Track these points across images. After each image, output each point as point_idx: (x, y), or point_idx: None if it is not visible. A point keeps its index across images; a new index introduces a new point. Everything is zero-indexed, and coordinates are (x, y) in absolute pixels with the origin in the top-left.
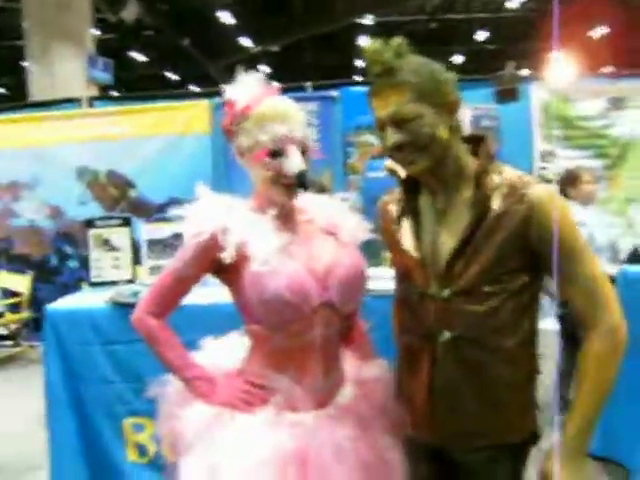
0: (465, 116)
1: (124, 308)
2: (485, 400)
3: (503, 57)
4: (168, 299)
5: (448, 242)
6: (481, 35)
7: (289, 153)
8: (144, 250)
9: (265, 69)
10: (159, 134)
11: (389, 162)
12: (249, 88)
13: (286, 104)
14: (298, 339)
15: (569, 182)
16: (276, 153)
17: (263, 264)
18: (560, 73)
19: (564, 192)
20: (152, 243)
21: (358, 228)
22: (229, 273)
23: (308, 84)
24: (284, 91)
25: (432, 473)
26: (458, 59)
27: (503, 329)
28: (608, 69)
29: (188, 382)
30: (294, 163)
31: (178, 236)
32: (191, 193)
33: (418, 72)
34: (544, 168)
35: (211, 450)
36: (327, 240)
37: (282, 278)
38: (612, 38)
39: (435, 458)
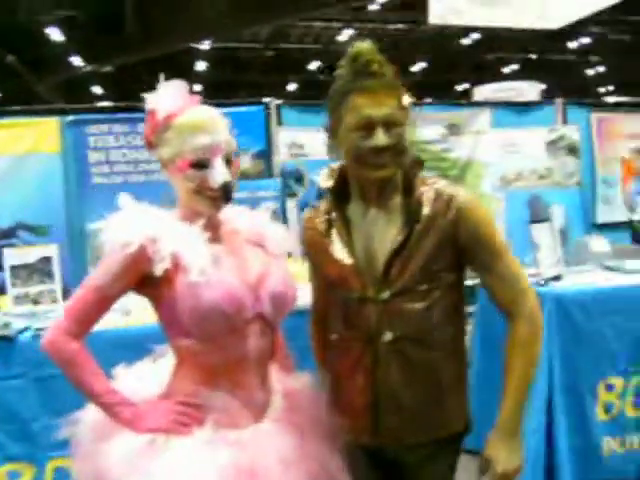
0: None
1: None
2: (427, 396)
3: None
4: (89, 318)
5: (382, 247)
6: (314, 65)
7: (213, 164)
8: (7, 277)
9: (97, 89)
10: (3, 154)
11: (320, 178)
12: (170, 97)
13: (210, 113)
14: (232, 352)
15: None
16: (200, 164)
17: (200, 274)
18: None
19: None
20: (16, 269)
21: (284, 239)
22: (155, 287)
23: None
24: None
25: (374, 476)
26: (292, 87)
27: (439, 325)
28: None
29: (112, 409)
30: (219, 174)
31: (47, 260)
32: (41, 215)
33: (398, 83)
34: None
35: None
36: (255, 251)
37: (218, 289)
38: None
39: (376, 460)
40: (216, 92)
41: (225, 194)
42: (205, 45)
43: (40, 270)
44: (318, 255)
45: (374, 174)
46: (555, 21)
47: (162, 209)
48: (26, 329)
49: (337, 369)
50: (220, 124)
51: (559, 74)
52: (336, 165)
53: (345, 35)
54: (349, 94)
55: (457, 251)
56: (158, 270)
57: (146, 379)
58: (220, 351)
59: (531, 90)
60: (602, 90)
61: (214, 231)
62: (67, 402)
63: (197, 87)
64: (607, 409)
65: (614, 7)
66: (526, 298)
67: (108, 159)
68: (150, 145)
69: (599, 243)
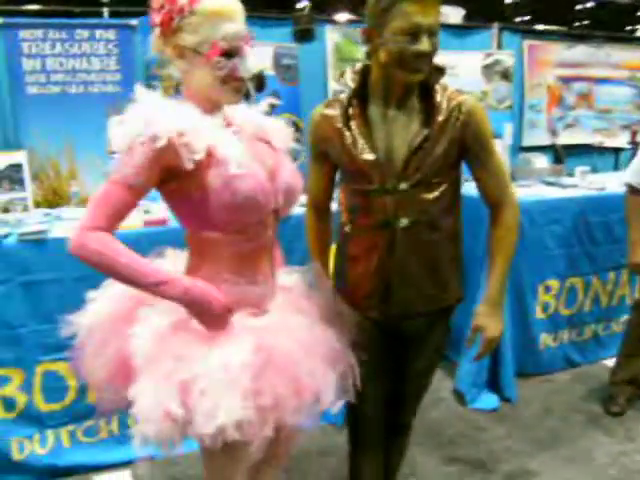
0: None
1: None
2: (432, 272)
3: None
4: (117, 212)
5: (402, 144)
6: None
7: (244, 53)
8: None
9: None
10: None
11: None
12: None
13: (233, 1)
14: (255, 242)
15: None
16: (230, 52)
17: (238, 167)
18: (347, 16)
19: None
20: None
21: (287, 134)
22: (180, 181)
23: (105, 9)
24: (76, 16)
25: (382, 343)
26: None
27: (446, 211)
28: None
29: (166, 286)
30: (251, 64)
31: (16, 167)
32: None
33: None
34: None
35: (180, 364)
36: (262, 146)
37: (253, 181)
38: None
39: (382, 331)
40: None
41: (259, 84)
42: None
43: (9, 177)
44: (334, 148)
45: (412, 76)
46: None
47: (177, 102)
48: (8, 235)
49: (350, 253)
50: (242, 13)
51: (479, 0)
52: (355, 67)
53: None
54: (399, 1)
55: (462, 149)
56: (188, 163)
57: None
58: (245, 241)
59: (454, 14)
60: (519, 19)
61: (228, 122)
62: (54, 306)
63: None
64: (545, 308)
65: None
66: (509, 189)
67: (44, 68)
68: (166, 30)
69: (539, 161)
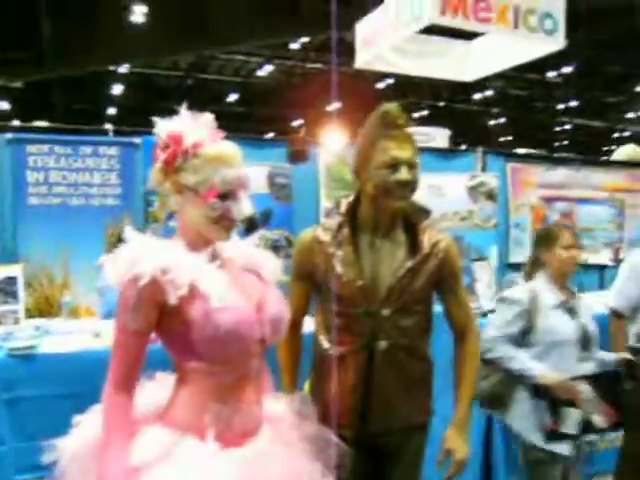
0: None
1: None
2: (408, 392)
3: (249, 119)
4: (134, 358)
5: (387, 272)
6: (232, 97)
7: (239, 196)
8: None
9: (4, 105)
10: None
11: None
12: (196, 126)
13: (235, 148)
14: (239, 371)
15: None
16: (225, 195)
17: (220, 301)
18: (337, 139)
19: (536, 256)
20: None
21: (277, 267)
22: (165, 316)
23: (110, 128)
24: (83, 133)
25: (359, 461)
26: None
27: (421, 335)
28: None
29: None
30: (246, 207)
31: (11, 280)
32: None
33: None
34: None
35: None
36: (251, 278)
37: (235, 314)
38: (343, 111)
39: (361, 449)
40: (131, 116)
41: (250, 226)
42: (123, 68)
43: (3, 290)
44: (321, 272)
45: (397, 203)
46: (469, 74)
47: (162, 239)
48: None
49: (328, 373)
50: (241, 159)
51: (464, 122)
52: (348, 199)
53: (265, 70)
54: (379, 139)
55: (438, 281)
56: (172, 299)
57: (143, 398)
58: (229, 371)
59: (440, 136)
60: (502, 140)
61: (217, 259)
62: (35, 424)
63: (112, 110)
64: None
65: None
66: (474, 319)
67: (47, 180)
68: (169, 168)
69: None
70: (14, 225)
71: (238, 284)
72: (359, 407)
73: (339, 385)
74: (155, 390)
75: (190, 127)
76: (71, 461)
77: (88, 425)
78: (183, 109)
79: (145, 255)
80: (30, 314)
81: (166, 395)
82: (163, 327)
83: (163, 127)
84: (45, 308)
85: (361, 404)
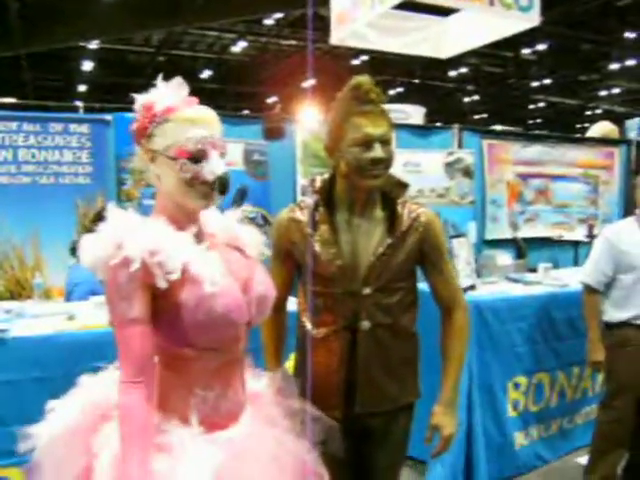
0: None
1: None
2: (393, 373)
3: (223, 96)
4: (141, 349)
5: (366, 251)
6: (205, 73)
7: (210, 156)
8: None
9: None
10: None
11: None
12: (170, 93)
13: (209, 112)
14: (228, 355)
15: None
16: (196, 157)
17: (212, 285)
18: (313, 116)
19: None
20: None
21: (260, 242)
22: (155, 298)
23: (80, 105)
24: (52, 110)
25: (345, 441)
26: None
27: (405, 314)
28: None
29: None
30: (216, 166)
31: None
32: None
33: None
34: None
35: None
36: (235, 255)
37: (227, 298)
38: (318, 88)
39: (347, 430)
40: (102, 93)
41: (221, 186)
42: (93, 44)
43: None
44: (300, 252)
45: (371, 182)
46: (445, 51)
47: (144, 215)
48: None
49: (312, 355)
50: (217, 123)
51: (439, 99)
52: (323, 177)
53: (239, 47)
54: (351, 116)
55: (420, 256)
56: (163, 283)
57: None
58: (216, 356)
59: (415, 113)
60: (476, 117)
61: (200, 235)
62: (8, 409)
63: (82, 87)
64: (515, 406)
65: None
66: (461, 293)
67: (16, 158)
68: (141, 136)
69: (503, 258)
70: None
71: (225, 264)
72: (344, 389)
73: (323, 367)
74: None
75: (162, 94)
76: (47, 448)
77: (64, 410)
78: (159, 81)
79: (130, 236)
80: (1, 297)
81: None
82: (151, 312)
83: (139, 100)
84: (16, 290)
85: (346, 386)
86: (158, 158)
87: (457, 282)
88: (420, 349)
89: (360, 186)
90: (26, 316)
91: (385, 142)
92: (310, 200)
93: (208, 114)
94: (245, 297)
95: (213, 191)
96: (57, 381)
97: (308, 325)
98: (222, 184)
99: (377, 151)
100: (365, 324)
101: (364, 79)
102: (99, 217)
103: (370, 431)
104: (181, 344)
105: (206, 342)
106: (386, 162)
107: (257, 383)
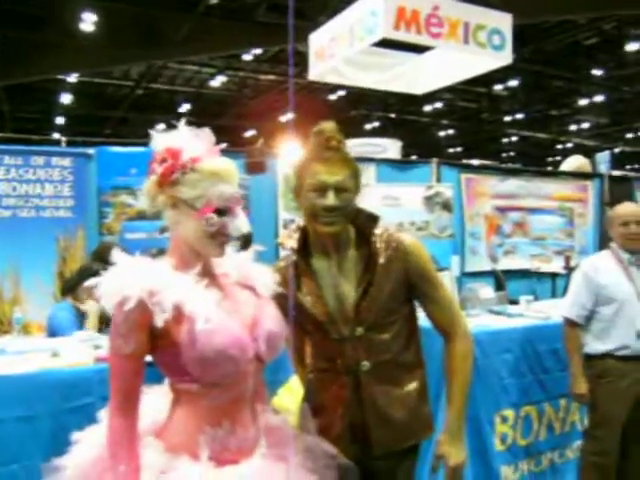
0: None
1: None
2: (405, 408)
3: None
4: (131, 384)
5: (350, 291)
6: (184, 107)
7: (236, 213)
8: None
9: None
10: None
11: (280, 237)
12: (195, 141)
13: (232, 165)
14: (233, 392)
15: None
16: (222, 211)
17: (206, 322)
18: (294, 150)
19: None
20: None
21: (271, 281)
22: (155, 338)
23: (63, 138)
24: (36, 144)
25: None
26: (160, 127)
27: (405, 346)
28: None
29: None
30: (242, 224)
31: None
32: None
33: (352, 157)
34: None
35: None
36: (245, 293)
37: (224, 334)
38: (296, 122)
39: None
40: (80, 125)
41: (245, 244)
42: (72, 78)
43: None
44: (286, 303)
45: (325, 229)
46: (421, 87)
47: (154, 259)
48: None
49: (319, 400)
50: (238, 176)
51: (414, 133)
52: (297, 225)
53: (217, 81)
54: (311, 162)
55: (408, 287)
56: (159, 321)
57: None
58: (223, 393)
59: (392, 147)
60: (451, 151)
61: (208, 276)
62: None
63: (60, 119)
64: (503, 439)
65: None
66: (460, 319)
67: None
68: (165, 181)
69: (485, 291)
70: None
71: (230, 301)
72: (352, 433)
73: (326, 411)
74: (152, 403)
75: (188, 141)
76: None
77: (86, 442)
78: (182, 124)
79: (132, 277)
80: None
81: (163, 409)
82: (154, 349)
83: (161, 141)
84: None
85: (354, 428)
86: (181, 206)
87: (455, 307)
88: (427, 382)
89: (319, 231)
90: (8, 353)
91: (340, 190)
92: (290, 252)
93: (232, 169)
94: (252, 333)
95: (230, 241)
96: (38, 421)
97: (310, 375)
98: (247, 241)
99: (329, 199)
100: (365, 365)
101: (327, 126)
102: (99, 257)
103: (376, 473)
104: (186, 380)
105: (209, 378)
106: (340, 210)
107: (274, 417)
